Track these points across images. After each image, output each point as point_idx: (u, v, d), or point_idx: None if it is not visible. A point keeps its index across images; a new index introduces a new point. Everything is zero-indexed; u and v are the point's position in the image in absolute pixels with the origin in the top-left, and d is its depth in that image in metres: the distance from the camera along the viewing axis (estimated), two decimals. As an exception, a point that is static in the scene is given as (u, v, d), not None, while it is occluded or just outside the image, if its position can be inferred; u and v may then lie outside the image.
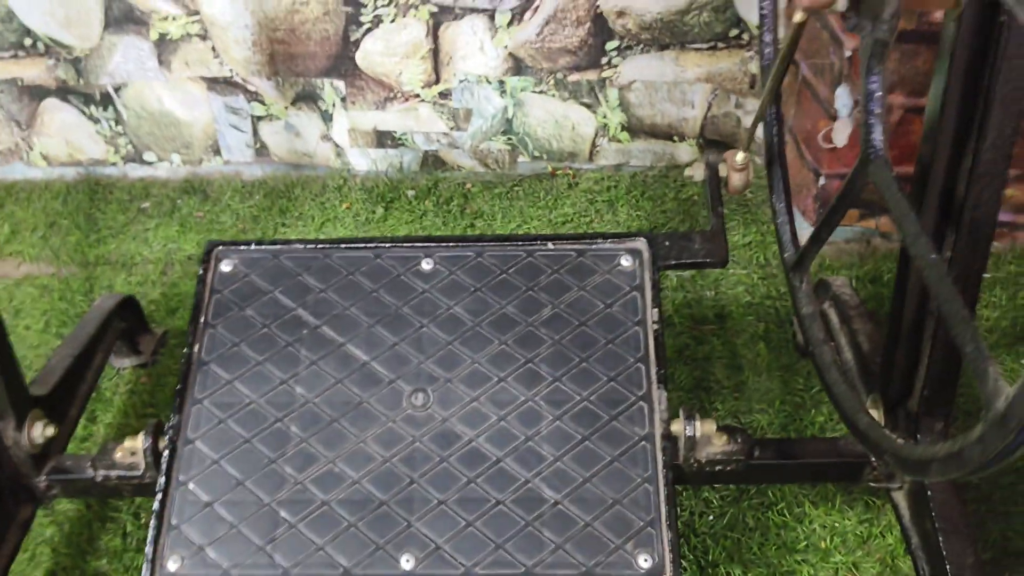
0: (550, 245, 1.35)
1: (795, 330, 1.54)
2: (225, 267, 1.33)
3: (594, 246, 1.35)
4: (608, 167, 1.92)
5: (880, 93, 0.92)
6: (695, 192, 1.83)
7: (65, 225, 1.84)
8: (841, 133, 1.57)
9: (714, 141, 1.89)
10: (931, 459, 0.85)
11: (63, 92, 1.87)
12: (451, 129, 1.88)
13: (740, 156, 1.29)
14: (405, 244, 1.36)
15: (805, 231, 1.71)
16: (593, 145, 1.90)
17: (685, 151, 1.90)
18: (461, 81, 1.82)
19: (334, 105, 1.86)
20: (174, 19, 1.77)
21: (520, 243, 1.36)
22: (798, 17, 0.92)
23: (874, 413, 1.20)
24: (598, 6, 1.72)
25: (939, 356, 1.13)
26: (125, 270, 1.75)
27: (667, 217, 1.82)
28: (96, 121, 1.90)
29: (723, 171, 1.34)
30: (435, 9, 1.73)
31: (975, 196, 0.96)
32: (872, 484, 1.26)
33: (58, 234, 1.83)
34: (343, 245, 1.36)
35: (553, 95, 1.83)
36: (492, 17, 1.74)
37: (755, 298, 1.64)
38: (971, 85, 0.94)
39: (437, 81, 1.82)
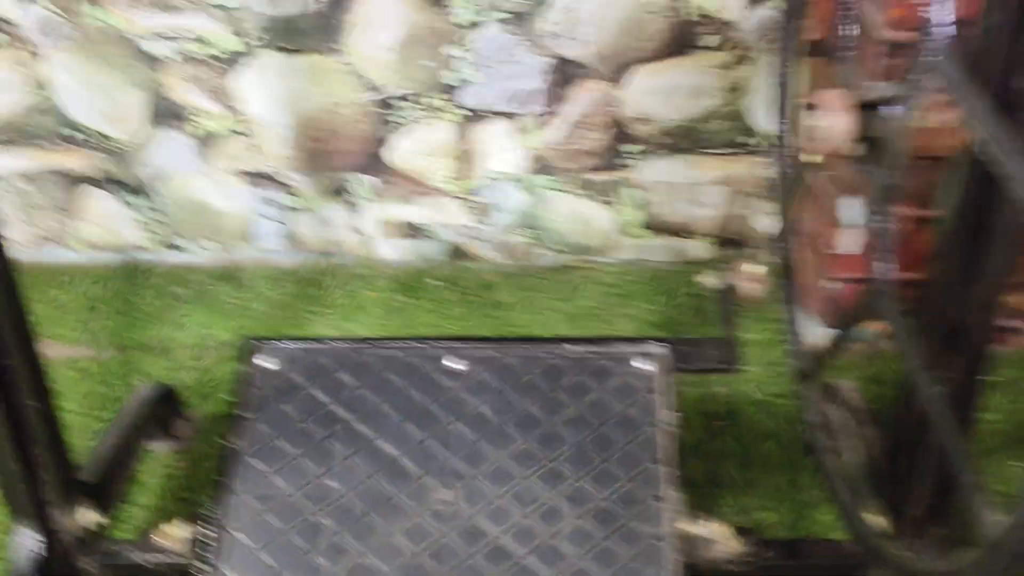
0: (571, 347, 1.43)
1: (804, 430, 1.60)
2: (264, 363, 1.41)
3: (612, 349, 1.42)
4: (626, 262, 2.00)
5: (888, 232, 1.00)
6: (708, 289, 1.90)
7: (104, 309, 1.92)
8: (849, 242, 1.64)
9: (729, 240, 1.97)
10: (930, 574, 0.92)
11: (106, 181, 1.96)
12: (476, 222, 1.97)
13: (754, 268, 1.36)
14: (435, 343, 1.43)
15: (817, 332, 1.79)
16: (612, 241, 1.98)
17: (701, 249, 1.99)
18: (487, 178, 1.91)
19: (365, 198, 1.95)
20: (216, 117, 1.86)
21: (543, 344, 1.44)
22: (818, 159, 1.00)
23: (879, 517, 1.26)
24: (620, 112, 1.81)
25: (941, 465, 1.19)
26: (161, 355, 1.82)
27: (680, 312, 1.90)
28: (136, 209, 1.99)
29: (736, 281, 1.42)
30: (465, 112, 1.83)
31: (976, 328, 1.03)
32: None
33: (97, 318, 1.91)
34: (376, 343, 1.43)
35: (575, 193, 1.92)
36: (519, 121, 1.83)
37: (765, 396, 1.71)
38: (978, 216, 1.01)
39: (464, 178, 1.91)
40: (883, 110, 0.96)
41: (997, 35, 0.89)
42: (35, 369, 1.17)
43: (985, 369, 1.09)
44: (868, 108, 0.97)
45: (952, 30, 0.86)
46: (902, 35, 1.35)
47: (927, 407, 0.92)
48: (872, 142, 0.95)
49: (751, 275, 1.38)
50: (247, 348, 1.42)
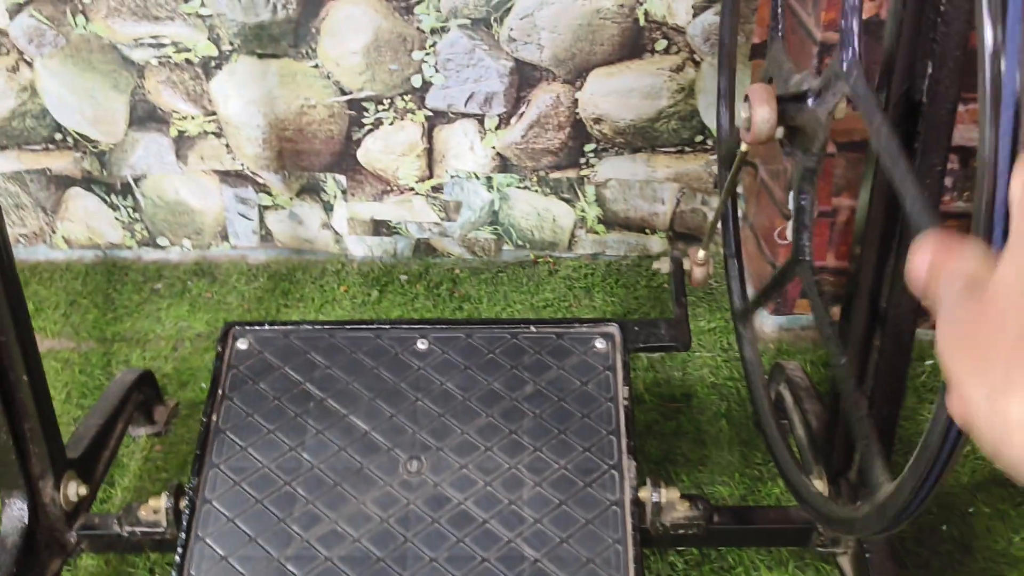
0: (532, 328, 1.51)
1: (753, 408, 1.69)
2: (241, 345, 1.48)
3: (572, 330, 1.51)
4: (585, 256, 2.09)
5: (809, 208, 1.10)
6: (664, 280, 2.00)
7: (84, 304, 1.99)
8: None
9: (682, 234, 2.07)
10: (843, 519, 1.02)
11: (87, 182, 2.03)
12: (442, 219, 2.05)
13: (701, 253, 1.46)
14: (402, 326, 1.51)
15: (766, 320, 1.89)
16: (572, 236, 2.07)
17: (656, 242, 2.08)
18: (452, 177, 2.00)
19: (335, 197, 2.03)
20: (192, 118, 1.94)
21: (506, 326, 1.52)
22: (743, 147, 1.09)
23: (819, 483, 1.36)
24: (577, 113, 1.91)
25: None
26: (140, 346, 1.89)
27: (639, 302, 1.99)
28: (116, 208, 2.06)
29: (687, 265, 1.51)
30: (430, 113, 1.92)
31: (896, 302, 1.13)
32: (820, 548, 1.41)
33: (78, 312, 1.97)
34: (347, 326, 1.51)
35: (536, 190, 2.01)
36: (482, 121, 1.93)
37: (718, 379, 1.80)
38: (890, 202, 1.11)
39: (430, 176, 2.00)
40: (802, 102, 1.05)
41: (898, 46, 0.99)
42: (27, 344, 1.24)
43: (909, 338, 1.18)
44: (790, 100, 1.06)
45: (856, 44, 0.96)
46: (833, 36, 1.45)
47: (834, 374, 1.01)
48: (794, 130, 1.04)
49: (699, 260, 1.47)
50: (225, 331, 1.49)
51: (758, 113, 1.03)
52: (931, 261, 0.43)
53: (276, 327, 1.51)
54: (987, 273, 0.41)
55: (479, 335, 1.50)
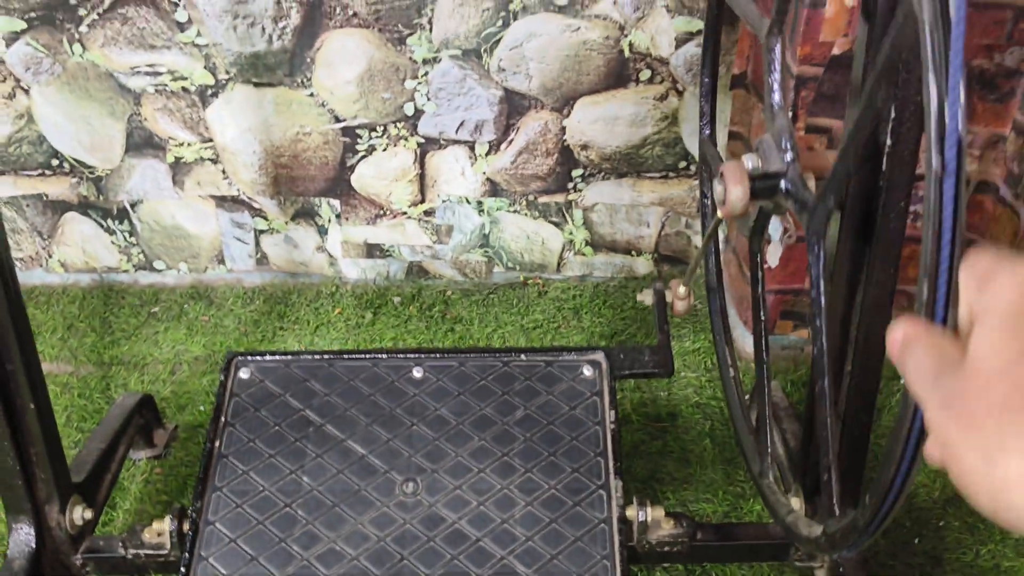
0: (523, 356, 1.57)
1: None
2: (243, 374, 1.53)
3: (560, 358, 1.56)
4: (574, 278, 2.15)
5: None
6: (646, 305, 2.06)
7: (82, 327, 2.04)
8: (773, 255, 1.80)
9: (667, 256, 2.13)
10: (807, 537, 1.09)
11: (84, 207, 2.08)
12: (434, 243, 2.11)
13: (682, 289, 1.51)
14: (398, 355, 1.57)
15: (747, 340, 1.95)
16: (560, 258, 2.13)
17: (642, 264, 2.14)
18: (444, 201, 2.05)
19: (330, 221, 2.08)
20: (189, 145, 1.99)
21: (497, 354, 1.58)
22: (720, 214, 1.15)
23: (796, 501, 1.42)
24: (565, 140, 1.97)
25: (847, 453, 1.35)
26: (138, 370, 1.93)
27: (625, 323, 2.05)
28: (112, 233, 2.11)
29: (668, 297, 1.57)
30: (422, 140, 1.97)
31: (865, 327, 1.19)
32: (798, 563, 1.47)
33: (75, 336, 2.02)
34: (345, 356, 1.56)
35: (525, 214, 2.07)
36: (472, 147, 1.98)
37: (703, 399, 1.86)
38: (860, 234, 1.17)
39: (423, 201, 2.06)
40: (774, 181, 1.11)
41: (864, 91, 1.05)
42: (33, 371, 1.29)
43: (878, 363, 1.24)
44: (763, 178, 1.12)
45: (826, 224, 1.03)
46: (808, 70, 1.51)
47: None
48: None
49: (680, 294, 1.52)
50: (228, 360, 1.54)
51: (732, 192, 1.09)
52: (904, 335, 0.49)
53: (277, 356, 1.56)
54: (953, 346, 0.47)
55: (472, 363, 1.56)
